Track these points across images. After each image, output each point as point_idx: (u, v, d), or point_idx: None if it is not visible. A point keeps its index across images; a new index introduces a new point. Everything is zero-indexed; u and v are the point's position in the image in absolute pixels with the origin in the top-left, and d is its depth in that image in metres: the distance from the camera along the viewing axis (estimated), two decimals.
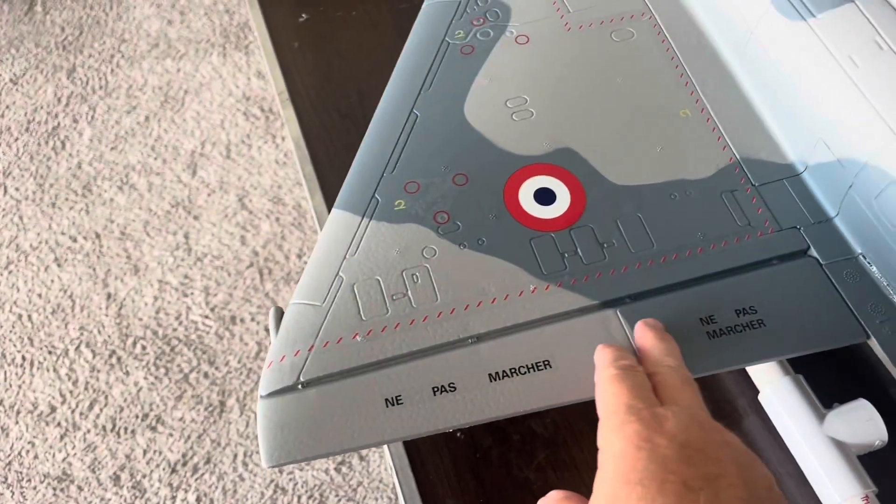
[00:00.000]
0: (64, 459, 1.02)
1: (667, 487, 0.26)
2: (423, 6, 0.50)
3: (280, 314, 0.37)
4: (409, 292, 0.37)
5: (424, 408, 0.34)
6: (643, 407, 0.29)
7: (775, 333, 0.36)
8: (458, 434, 0.45)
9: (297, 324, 0.36)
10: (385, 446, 0.41)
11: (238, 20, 1.50)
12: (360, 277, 0.37)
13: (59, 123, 1.37)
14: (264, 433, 0.33)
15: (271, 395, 0.34)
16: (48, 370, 1.10)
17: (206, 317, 1.13)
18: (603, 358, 0.33)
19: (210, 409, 1.05)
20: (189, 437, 1.03)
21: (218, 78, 1.41)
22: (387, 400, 0.34)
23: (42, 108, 1.40)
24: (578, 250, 0.38)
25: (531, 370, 0.35)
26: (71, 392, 1.07)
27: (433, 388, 0.34)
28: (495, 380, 0.35)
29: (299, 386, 0.34)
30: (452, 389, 0.34)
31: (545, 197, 0.40)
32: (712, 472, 0.27)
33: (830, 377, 0.42)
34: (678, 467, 0.27)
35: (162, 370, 1.08)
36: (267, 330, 1.10)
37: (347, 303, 0.36)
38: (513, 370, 0.35)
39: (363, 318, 0.36)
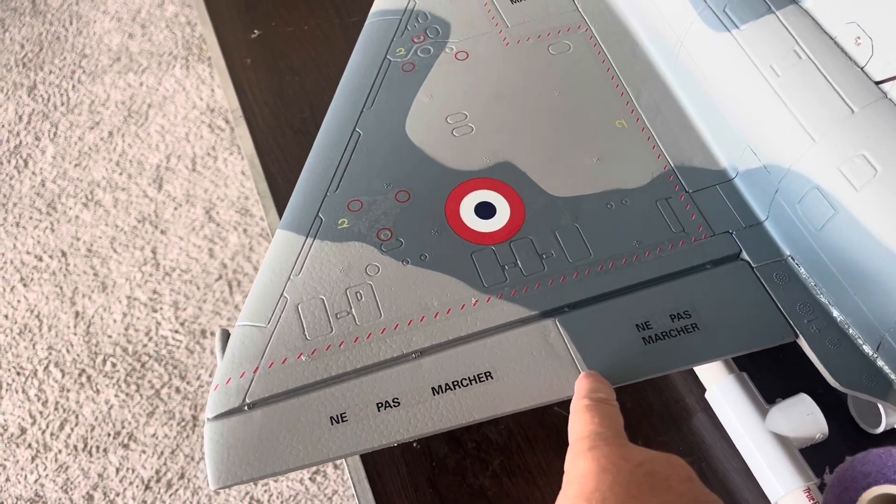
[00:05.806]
0: (36, 481, 1.01)
1: None
2: (367, 21, 0.50)
3: (226, 336, 0.37)
4: (353, 310, 0.37)
5: (369, 424, 0.35)
6: (612, 435, 0.30)
7: (709, 336, 0.37)
8: (415, 444, 0.46)
9: (243, 346, 0.36)
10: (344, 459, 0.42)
11: (200, 31, 1.49)
12: (305, 297, 0.38)
13: (21, 142, 1.36)
14: (211, 456, 0.34)
15: (217, 417, 0.35)
16: (17, 391, 1.09)
17: (176, 331, 1.12)
18: (580, 388, 0.34)
19: (183, 423, 1.04)
20: (162, 453, 1.02)
21: (181, 90, 1.40)
22: (331, 418, 0.35)
23: (3, 126, 1.38)
24: (518, 262, 0.39)
25: (473, 382, 0.36)
26: (41, 413, 1.07)
27: (377, 404, 0.35)
28: (438, 393, 0.35)
29: (245, 407, 0.35)
30: (396, 404, 0.35)
31: (486, 211, 0.41)
32: (673, 503, 0.28)
33: (777, 373, 0.43)
34: (640, 493, 0.27)
35: (133, 387, 1.08)
36: None
37: (292, 323, 0.37)
38: (455, 383, 0.36)
39: (307, 337, 0.36)
